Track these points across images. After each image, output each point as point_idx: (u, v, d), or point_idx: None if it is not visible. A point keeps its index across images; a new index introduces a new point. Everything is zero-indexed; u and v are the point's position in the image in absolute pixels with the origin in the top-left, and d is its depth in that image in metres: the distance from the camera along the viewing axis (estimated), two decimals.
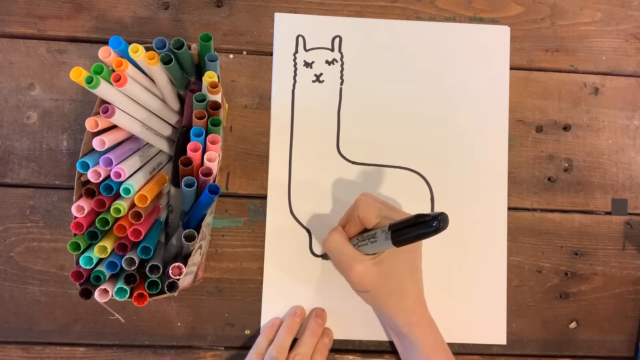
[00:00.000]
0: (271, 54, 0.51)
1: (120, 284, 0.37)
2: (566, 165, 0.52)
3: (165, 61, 0.39)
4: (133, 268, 0.38)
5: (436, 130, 0.52)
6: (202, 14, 0.51)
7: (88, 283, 0.37)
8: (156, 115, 0.43)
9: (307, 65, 0.51)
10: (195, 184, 0.39)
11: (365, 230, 0.44)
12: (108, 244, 0.37)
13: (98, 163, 0.38)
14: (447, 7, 0.53)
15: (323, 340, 0.47)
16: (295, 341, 0.47)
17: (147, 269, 0.37)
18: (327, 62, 0.52)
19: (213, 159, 0.38)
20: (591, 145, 0.53)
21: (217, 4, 0.52)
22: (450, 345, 0.47)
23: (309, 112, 0.51)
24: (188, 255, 0.39)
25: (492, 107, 0.52)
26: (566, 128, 0.53)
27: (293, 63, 0.51)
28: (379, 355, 0.50)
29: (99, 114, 0.37)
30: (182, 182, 0.38)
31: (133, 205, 0.38)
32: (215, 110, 0.39)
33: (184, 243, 0.37)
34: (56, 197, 0.49)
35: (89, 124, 0.37)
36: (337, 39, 0.52)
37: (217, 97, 0.39)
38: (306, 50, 0.52)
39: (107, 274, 0.37)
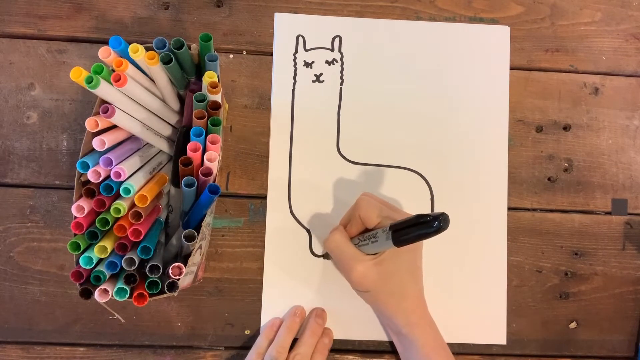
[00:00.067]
0: (271, 54, 0.51)
1: (120, 284, 0.37)
2: (566, 165, 0.52)
3: (165, 61, 0.39)
4: (133, 268, 0.38)
5: (436, 130, 0.52)
6: (202, 14, 0.51)
7: (88, 283, 0.37)
8: (156, 115, 0.43)
9: (307, 65, 0.51)
10: (195, 184, 0.39)
11: (367, 230, 0.44)
12: (108, 244, 0.37)
13: (98, 163, 0.38)
14: (447, 7, 0.53)
15: (323, 340, 0.47)
16: (295, 341, 0.47)
17: (147, 269, 0.37)
18: (327, 62, 0.52)
19: (213, 159, 0.38)
20: (591, 145, 0.53)
21: (217, 4, 0.52)
22: (450, 345, 0.47)
23: (309, 112, 0.51)
24: (188, 255, 0.39)
25: (492, 107, 0.52)
26: (566, 128, 0.53)
27: (293, 63, 0.51)
28: (379, 355, 0.50)
29: (99, 114, 0.37)
30: (182, 182, 0.38)
31: (133, 205, 0.38)
32: (215, 110, 0.39)
33: (184, 243, 0.37)
34: (56, 197, 0.49)
35: (89, 124, 0.37)
36: (337, 39, 0.52)
37: (217, 97, 0.39)
38: (306, 50, 0.52)
39: (107, 274, 0.37)
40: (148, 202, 0.38)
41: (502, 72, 0.53)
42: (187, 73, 0.43)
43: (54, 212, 0.49)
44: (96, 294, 0.36)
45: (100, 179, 0.38)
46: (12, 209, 0.49)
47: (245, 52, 0.52)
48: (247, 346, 0.49)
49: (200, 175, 0.38)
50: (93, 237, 0.38)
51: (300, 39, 0.52)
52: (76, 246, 0.37)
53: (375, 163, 0.51)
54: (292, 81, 0.51)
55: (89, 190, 0.38)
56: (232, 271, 0.50)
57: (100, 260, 0.38)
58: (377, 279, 0.42)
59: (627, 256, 0.52)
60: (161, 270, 0.38)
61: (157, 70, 0.39)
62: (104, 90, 0.36)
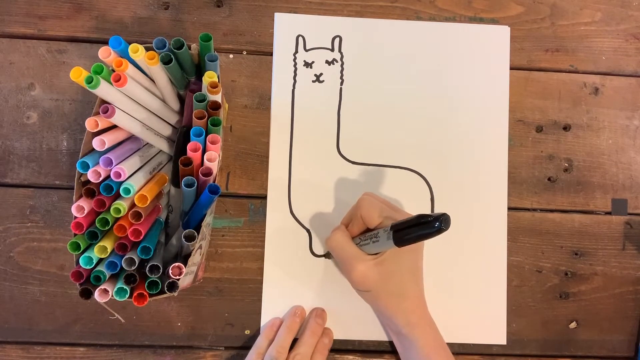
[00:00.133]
0: (271, 54, 0.51)
1: (120, 284, 0.37)
2: (566, 165, 0.52)
3: (165, 61, 0.39)
4: (133, 268, 0.38)
5: (436, 130, 0.52)
6: (202, 14, 0.51)
7: (88, 283, 0.37)
8: (156, 115, 0.43)
9: (307, 65, 0.51)
10: (195, 184, 0.39)
11: (368, 229, 0.44)
12: (108, 244, 0.37)
13: (98, 163, 0.38)
14: (447, 7, 0.53)
15: (323, 340, 0.47)
16: (295, 341, 0.47)
17: (147, 269, 0.37)
18: (327, 62, 0.52)
19: (213, 159, 0.38)
20: (591, 145, 0.53)
21: (217, 4, 0.52)
22: (450, 345, 0.47)
23: (309, 112, 0.51)
24: (188, 255, 0.39)
25: (492, 107, 0.52)
26: (566, 128, 0.53)
27: (293, 63, 0.51)
28: (379, 355, 0.50)
29: (99, 114, 0.37)
30: (182, 182, 0.38)
31: (133, 205, 0.38)
32: (215, 110, 0.39)
33: (184, 243, 0.37)
34: (56, 197, 0.49)
35: (89, 124, 0.37)
36: (337, 39, 0.52)
37: (217, 97, 0.39)
38: (306, 50, 0.52)
39: (107, 274, 0.37)
40: (148, 202, 0.38)
41: (502, 72, 0.53)
42: (187, 73, 0.43)
43: (54, 212, 0.49)
44: (96, 294, 0.36)
45: (100, 179, 0.38)
46: (12, 209, 0.49)
47: (245, 52, 0.52)
48: (247, 346, 0.49)
49: (200, 175, 0.38)
50: (93, 237, 0.38)
51: (300, 39, 0.52)
52: (76, 246, 0.37)
53: (375, 163, 0.51)
54: (292, 81, 0.51)
55: (89, 190, 0.38)
56: (232, 271, 0.50)
57: (100, 260, 0.38)
58: (378, 278, 0.42)
59: (627, 256, 0.52)
60: (161, 270, 0.38)
61: (157, 70, 0.39)
62: (104, 90, 0.36)
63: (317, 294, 0.49)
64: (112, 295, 0.37)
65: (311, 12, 0.52)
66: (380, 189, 0.51)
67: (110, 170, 0.37)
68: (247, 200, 0.50)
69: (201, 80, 0.40)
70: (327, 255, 0.50)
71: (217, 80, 0.39)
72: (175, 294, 0.37)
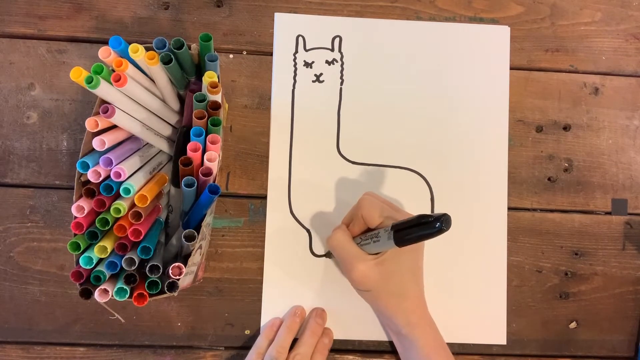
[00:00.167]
0: (271, 54, 0.51)
1: (120, 284, 0.37)
2: (566, 165, 0.52)
3: (165, 61, 0.39)
4: (133, 268, 0.38)
5: (436, 130, 0.52)
6: (202, 14, 0.51)
7: (88, 283, 0.37)
8: (156, 115, 0.43)
9: (307, 65, 0.51)
10: (195, 184, 0.39)
11: (369, 229, 0.44)
12: (108, 244, 0.37)
13: (98, 163, 0.38)
14: (447, 7, 0.53)
15: (323, 340, 0.47)
16: (295, 341, 0.47)
17: (147, 269, 0.37)
18: (327, 62, 0.52)
19: (213, 159, 0.38)
20: (591, 145, 0.53)
21: (217, 4, 0.52)
22: (450, 345, 0.47)
23: (309, 112, 0.51)
24: (188, 255, 0.39)
25: (492, 107, 0.52)
26: (566, 128, 0.53)
27: (293, 63, 0.51)
28: (379, 355, 0.50)
29: (99, 114, 0.37)
30: (182, 182, 0.38)
31: (133, 205, 0.38)
32: (215, 110, 0.39)
33: (184, 243, 0.37)
34: (56, 197, 0.49)
35: (89, 124, 0.37)
36: (337, 39, 0.52)
37: (217, 97, 0.39)
38: (306, 50, 0.52)
39: (107, 274, 0.37)
40: (148, 202, 0.38)
41: (502, 72, 0.53)
42: (187, 73, 0.43)
43: (54, 212, 0.49)
44: (96, 294, 0.36)
45: (100, 179, 0.38)
46: (12, 209, 0.49)
47: (245, 52, 0.52)
48: (247, 346, 0.49)
49: (200, 175, 0.38)
50: (93, 237, 0.38)
51: (300, 39, 0.52)
52: (76, 246, 0.37)
53: (375, 163, 0.51)
54: (292, 81, 0.51)
55: (89, 190, 0.38)
56: (232, 271, 0.50)
57: (100, 260, 0.38)
58: (379, 278, 0.42)
59: (627, 256, 0.52)
60: (161, 270, 0.38)
61: (157, 70, 0.39)
62: (104, 90, 0.36)
63: (317, 294, 0.49)
64: (112, 295, 0.37)
65: (311, 12, 0.52)
66: (380, 189, 0.51)
67: (110, 170, 0.37)
68: (247, 200, 0.50)
69: (201, 80, 0.40)
70: (328, 254, 0.50)
71: (217, 80, 0.39)
72: (175, 294, 0.37)
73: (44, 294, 0.48)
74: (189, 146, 0.37)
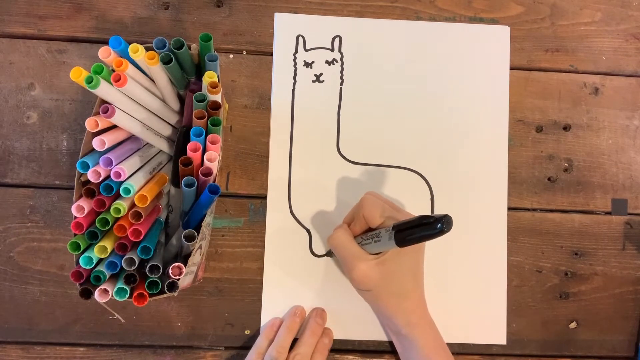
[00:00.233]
0: (271, 54, 0.51)
1: (120, 284, 0.37)
2: (566, 165, 0.52)
3: (165, 61, 0.39)
4: (133, 268, 0.38)
5: (436, 130, 0.52)
6: (202, 14, 0.51)
7: (88, 283, 0.37)
8: (156, 115, 0.43)
9: (307, 65, 0.51)
10: (195, 184, 0.39)
11: (370, 229, 0.44)
12: (108, 244, 0.37)
13: (98, 163, 0.38)
14: (447, 7, 0.53)
15: (323, 340, 0.47)
16: (295, 341, 0.47)
17: (147, 269, 0.37)
18: (327, 62, 0.52)
19: (213, 159, 0.38)
20: (591, 145, 0.53)
21: (217, 4, 0.52)
22: (450, 345, 0.47)
23: (309, 112, 0.51)
24: (188, 255, 0.39)
25: (492, 107, 0.52)
26: (566, 128, 0.53)
27: (293, 63, 0.51)
28: (379, 355, 0.50)
29: (99, 114, 0.37)
30: (182, 182, 0.38)
31: (133, 205, 0.38)
32: (215, 110, 0.39)
33: (184, 243, 0.37)
34: (56, 197, 0.49)
35: (89, 124, 0.37)
36: (337, 39, 0.52)
37: (217, 97, 0.39)
38: (306, 50, 0.52)
39: (107, 274, 0.37)
40: (148, 202, 0.38)
41: (502, 72, 0.53)
42: (187, 73, 0.43)
43: (54, 212, 0.49)
44: (96, 294, 0.36)
45: (100, 179, 0.38)
46: (12, 209, 0.49)
47: (245, 52, 0.52)
48: (247, 346, 0.49)
49: (200, 175, 0.38)
50: (93, 237, 0.38)
51: (300, 39, 0.52)
52: (76, 246, 0.37)
53: (375, 163, 0.51)
54: (292, 81, 0.51)
55: (89, 190, 0.38)
56: (232, 271, 0.50)
57: (100, 260, 0.38)
58: (379, 278, 0.42)
59: (627, 256, 0.52)
60: (161, 270, 0.38)
61: (157, 70, 0.39)
62: (104, 90, 0.36)
63: (317, 294, 0.49)
64: (112, 295, 0.37)
65: (311, 12, 0.52)
66: (380, 189, 0.51)
67: (110, 170, 0.37)
68: (247, 200, 0.50)
69: (201, 80, 0.40)
70: (329, 253, 0.50)
71: (217, 80, 0.39)
72: (175, 294, 0.37)
73: (44, 294, 0.48)
74: (189, 146, 0.37)
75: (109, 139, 0.38)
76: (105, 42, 0.43)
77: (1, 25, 0.50)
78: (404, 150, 0.51)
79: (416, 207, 0.50)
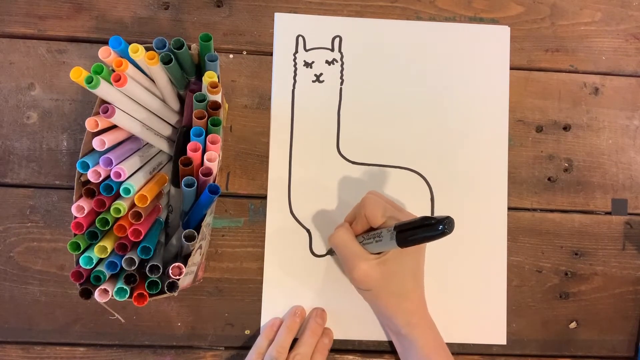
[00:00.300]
0: (271, 54, 0.51)
1: (120, 284, 0.37)
2: (566, 165, 0.52)
3: (165, 61, 0.39)
4: (133, 268, 0.38)
5: (436, 130, 0.52)
6: (202, 14, 0.51)
7: (88, 283, 0.37)
8: (156, 115, 0.43)
9: (307, 65, 0.51)
10: (195, 184, 0.39)
11: (371, 228, 0.44)
12: (108, 244, 0.37)
13: (98, 163, 0.38)
14: (447, 7, 0.53)
15: (323, 340, 0.47)
16: (295, 341, 0.47)
17: (147, 269, 0.37)
18: (327, 62, 0.52)
19: (213, 159, 0.38)
20: (591, 145, 0.53)
21: (217, 4, 0.52)
22: (450, 345, 0.47)
23: (309, 112, 0.51)
24: (188, 255, 0.39)
25: (492, 107, 0.52)
26: (566, 128, 0.53)
27: (293, 63, 0.51)
28: (379, 355, 0.50)
29: (99, 114, 0.37)
30: (182, 182, 0.38)
31: (133, 205, 0.38)
32: (215, 110, 0.39)
33: (184, 243, 0.37)
34: (56, 197, 0.49)
35: (89, 124, 0.37)
36: (337, 39, 0.52)
37: (217, 97, 0.39)
38: (306, 50, 0.52)
39: (107, 274, 0.37)
40: (148, 202, 0.38)
41: (502, 72, 0.53)
42: (187, 73, 0.43)
43: (54, 212, 0.49)
44: (96, 294, 0.36)
45: (100, 179, 0.38)
46: (12, 209, 0.49)
47: (245, 52, 0.52)
48: (247, 346, 0.49)
49: (200, 175, 0.38)
50: (93, 237, 0.38)
51: (300, 39, 0.52)
52: (76, 246, 0.37)
53: (375, 163, 0.51)
54: (292, 81, 0.51)
55: (89, 190, 0.38)
56: (232, 271, 0.50)
57: (100, 260, 0.38)
58: (380, 278, 0.42)
59: (627, 256, 0.52)
60: (161, 270, 0.38)
61: (157, 70, 0.39)
62: (104, 90, 0.36)
63: (317, 294, 0.49)
64: (112, 295, 0.37)
65: (311, 12, 0.52)
66: (381, 189, 0.51)
67: (110, 170, 0.37)
68: (247, 200, 0.50)
69: (201, 80, 0.40)
70: (329, 251, 0.50)
71: (217, 80, 0.39)
72: (175, 294, 0.37)
73: (44, 294, 0.48)
74: (189, 146, 0.37)
75: (109, 139, 0.38)
76: (105, 42, 0.43)
77: (1, 25, 0.50)
78: (404, 150, 0.51)
79: (416, 207, 0.50)
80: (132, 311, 0.49)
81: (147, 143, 0.44)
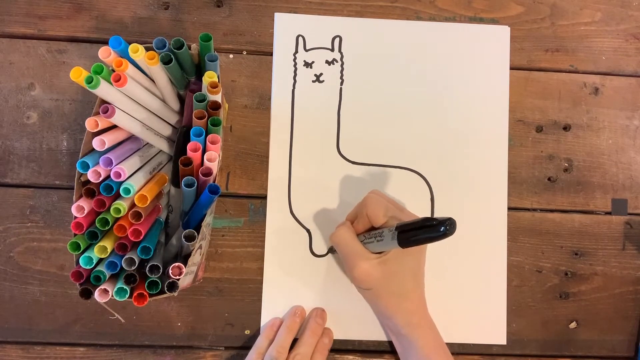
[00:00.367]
0: (271, 54, 0.51)
1: (120, 284, 0.37)
2: (566, 165, 0.52)
3: (165, 61, 0.39)
4: (133, 268, 0.38)
5: (436, 130, 0.52)
6: (202, 14, 0.51)
7: (88, 283, 0.37)
8: (156, 115, 0.43)
9: (307, 65, 0.51)
10: (195, 184, 0.39)
11: (373, 228, 0.44)
12: (108, 244, 0.37)
13: (98, 163, 0.38)
14: (447, 7, 0.53)
15: (323, 340, 0.47)
16: (295, 341, 0.47)
17: (147, 269, 0.37)
18: (327, 62, 0.52)
19: (213, 159, 0.38)
20: (591, 145, 0.53)
21: (217, 4, 0.52)
22: (450, 345, 0.47)
23: (309, 112, 0.51)
24: (188, 255, 0.39)
25: (492, 107, 0.52)
26: (566, 128, 0.53)
27: (293, 63, 0.51)
28: (379, 355, 0.50)
29: (99, 114, 0.37)
30: (182, 182, 0.38)
31: (133, 205, 0.38)
32: (215, 110, 0.39)
33: (184, 243, 0.37)
34: (56, 197, 0.49)
35: (89, 124, 0.37)
36: (337, 39, 0.52)
37: (217, 97, 0.39)
38: (306, 50, 0.52)
39: (107, 274, 0.37)
40: (148, 202, 0.38)
41: (502, 72, 0.53)
42: (187, 73, 0.43)
43: (54, 212, 0.49)
44: (96, 294, 0.36)
45: (100, 179, 0.38)
46: (12, 209, 0.49)
47: (245, 52, 0.52)
48: (247, 346, 0.49)
49: (200, 175, 0.38)
50: (93, 237, 0.38)
51: (300, 39, 0.52)
52: (76, 246, 0.37)
53: (375, 163, 0.51)
54: (292, 81, 0.51)
55: (89, 190, 0.38)
56: (232, 271, 0.50)
57: (100, 260, 0.38)
58: (380, 277, 0.42)
59: (627, 256, 0.52)
60: (161, 270, 0.38)
61: (157, 70, 0.39)
62: (104, 90, 0.36)
63: (317, 294, 0.49)
64: (112, 295, 0.37)
65: (311, 12, 0.52)
66: (380, 189, 0.51)
67: (110, 170, 0.37)
68: (247, 200, 0.50)
69: (201, 80, 0.40)
70: (330, 250, 0.50)
71: (217, 80, 0.39)
72: (175, 294, 0.37)
73: (44, 294, 0.48)
74: (189, 146, 0.37)
75: (109, 139, 0.38)
76: (105, 42, 0.43)
77: (1, 25, 0.50)
78: (404, 150, 0.51)
79: (416, 207, 0.50)
80: (132, 311, 0.49)
81: (147, 143, 0.44)
